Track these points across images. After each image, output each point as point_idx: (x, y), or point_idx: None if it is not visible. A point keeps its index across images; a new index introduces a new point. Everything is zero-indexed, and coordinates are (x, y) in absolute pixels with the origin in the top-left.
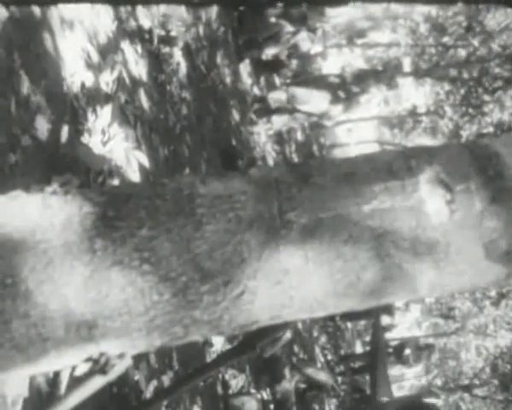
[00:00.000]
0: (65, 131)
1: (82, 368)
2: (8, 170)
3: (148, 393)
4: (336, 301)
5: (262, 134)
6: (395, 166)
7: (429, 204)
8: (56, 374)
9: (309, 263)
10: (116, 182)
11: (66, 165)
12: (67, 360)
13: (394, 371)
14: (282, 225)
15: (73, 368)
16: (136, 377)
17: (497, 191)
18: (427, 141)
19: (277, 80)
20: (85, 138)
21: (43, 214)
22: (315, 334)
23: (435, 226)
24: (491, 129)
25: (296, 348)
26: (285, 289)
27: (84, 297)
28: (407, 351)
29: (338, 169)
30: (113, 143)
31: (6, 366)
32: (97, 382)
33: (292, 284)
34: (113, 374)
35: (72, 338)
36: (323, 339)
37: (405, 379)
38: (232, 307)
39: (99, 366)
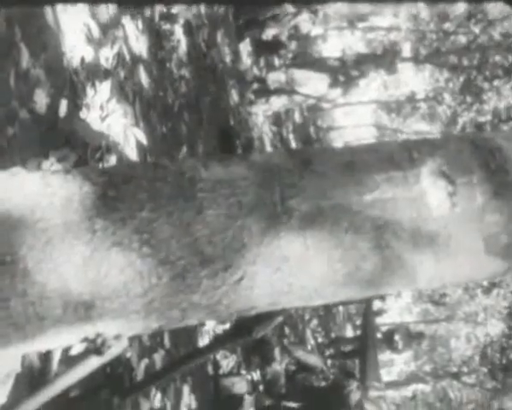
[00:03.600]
0: (63, 106)
1: (78, 348)
2: (6, 143)
3: (140, 371)
4: (335, 290)
5: (260, 115)
6: (397, 156)
7: (431, 196)
8: (48, 351)
9: (309, 251)
10: (113, 158)
11: (63, 139)
12: (64, 340)
13: (384, 356)
14: (283, 211)
15: (69, 347)
16: (128, 355)
17: (499, 185)
18: (424, 127)
19: (277, 61)
20: (84, 113)
21: (43, 193)
22: (306, 317)
23: (436, 218)
24: (488, 117)
25: (287, 331)
26: (284, 276)
27: (83, 277)
28: (397, 337)
29: (340, 158)
30: (112, 120)
31: (3, 343)
32: (93, 362)
33: (291, 272)
34: (108, 355)
35: (69, 318)
36: (314, 322)
37: (394, 365)
38: (231, 292)
39: (95, 346)
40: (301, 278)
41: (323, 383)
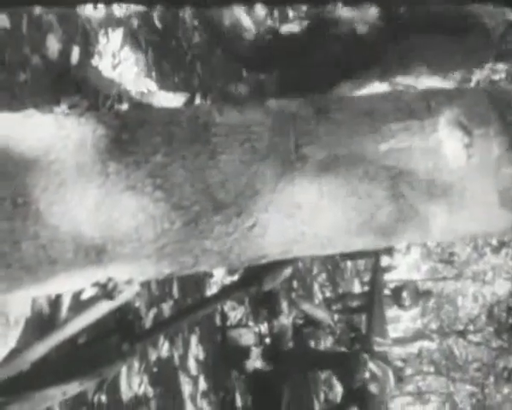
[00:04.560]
0: (75, 53)
1: (89, 292)
2: (18, 89)
3: (148, 320)
4: (348, 240)
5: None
6: (415, 105)
7: (447, 146)
8: (58, 296)
9: (323, 199)
10: (125, 107)
11: (75, 86)
12: (75, 283)
13: (390, 312)
14: (298, 158)
15: (79, 292)
16: (137, 304)
17: None
18: (438, 83)
19: (291, 13)
20: (95, 61)
21: (57, 135)
22: (314, 271)
23: (452, 170)
24: (502, 75)
25: (295, 284)
26: (297, 223)
27: (95, 221)
28: (404, 294)
29: (357, 106)
30: (123, 68)
31: (14, 286)
32: (103, 307)
33: (304, 219)
34: (120, 300)
35: (80, 261)
36: (323, 277)
37: (401, 321)
38: (243, 239)
39: (106, 291)
40: (314, 227)
41: (330, 339)
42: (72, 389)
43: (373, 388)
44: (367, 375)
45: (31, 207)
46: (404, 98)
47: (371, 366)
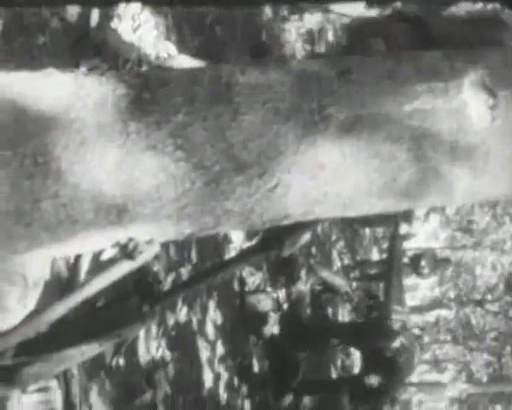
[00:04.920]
0: (95, 15)
1: (109, 252)
2: (37, 51)
3: (166, 284)
4: (370, 201)
5: (293, 32)
6: (439, 66)
7: (471, 108)
8: (77, 260)
9: (345, 160)
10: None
11: (94, 50)
12: (95, 243)
13: (408, 280)
14: (321, 119)
15: (98, 255)
16: (156, 268)
17: None
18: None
19: None
20: (115, 24)
21: (77, 94)
22: (333, 238)
23: (476, 131)
24: None
25: (314, 251)
26: (319, 184)
27: (116, 180)
28: (423, 262)
29: (380, 66)
30: (143, 31)
31: (34, 245)
32: (123, 267)
33: (327, 180)
34: (140, 260)
35: (101, 221)
36: (341, 243)
37: (419, 289)
38: (264, 199)
39: (126, 251)
40: (337, 188)
41: (348, 306)
42: (91, 350)
43: (401, 358)
44: (396, 344)
45: (51, 165)
46: (428, 59)
47: (400, 335)
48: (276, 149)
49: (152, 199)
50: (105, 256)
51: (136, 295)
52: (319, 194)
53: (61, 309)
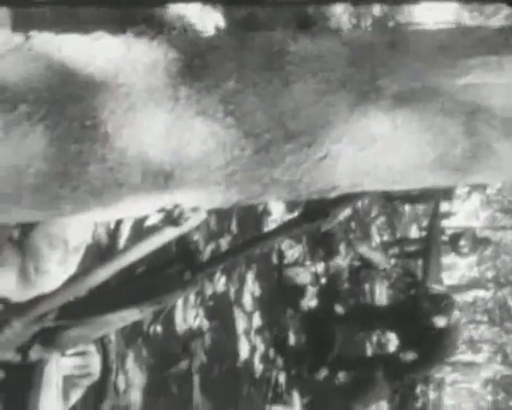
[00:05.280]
0: None
1: (154, 218)
2: (83, 17)
3: (206, 254)
4: (421, 175)
5: (339, 6)
6: (493, 41)
7: None
8: (117, 226)
9: (397, 132)
10: None
11: (140, 17)
12: (141, 209)
13: (447, 259)
14: (373, 90)
15: (140, 220)
16: (196, 238)
17: None
18: None
19: None
20: None
21: (127, 58)
22: (373, 213)
23: None
24: None
25: (353, 226)
26: (369, 156)
27: (164, 145)
28: (462, 241)
29: (434, 39)
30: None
31: (80, 208)
32: (168, 234)
33: (377, 152)
34: (185, 227)
35: (148, 186)
36: (381, 220)
37: (457, 268)
38: (313, 169)
39: (172, 217)
40: (387, 160)
41: (386, 282)
42: (132, 315)
43: (441, 337)
44: (439, 323)
45: (99, 129)
46: (482, 33)
47: (443, 314)
48: (327, 118)
49: (200, 165)
50: (150, 221)
51: (179, 263)
52: (369, 166)
53: (102, 274)
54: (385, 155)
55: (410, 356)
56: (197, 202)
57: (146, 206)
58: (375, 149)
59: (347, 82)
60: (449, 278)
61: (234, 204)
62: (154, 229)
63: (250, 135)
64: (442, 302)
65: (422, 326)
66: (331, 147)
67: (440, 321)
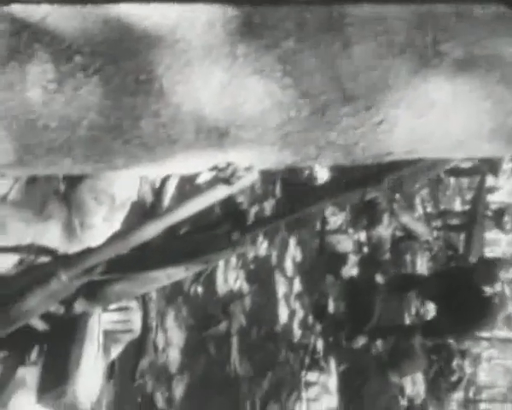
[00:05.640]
0: None
1: (206, 176)
2: None
3: (250, 217)
4: (478, 144)
5: None
6: None
7: None
8: (162, 185)
9: (456, 99)
10: None
11: None
12: (193, 166)
13: (490, 234)
14: (434, 55)
15: (190, 177)
16: (239, 200)
17: None
18: None
19: None
20: None
21: (184, 14)
22: (417, 185)
23: None
24: None
25: (397, 196)
26: (427, 123)
27: (219, 103)
28: (506, 217)
29: (496, 7)
30: None
31: (131, 162)
32: (219, 192)
33: (435, 119)
34: (237, 186)
35: (201, 144)
36: (425, 191)
37: (499, 245)
38: (369, 133)
39: (224, 175)
40: (445, 128)
41: (427, 254)
42: (178, 273)
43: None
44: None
45: (154, 84)
46: None
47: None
48: (386, 82)
49: (255, 124)
50: (201, 179)
51: (227, 223)
52: (426, 133)
53: (150, 231)
54: (443, 122)
55: (446, 329)
56: (250, 162)
57: (198, 163)
58: (433, 116)
59: (409, 46)
60: (491, 254)
61: (287, 165)
62: (205, 187)
63: (307, 96)
64: (493, 268)
65: (465, 295)
66: (389, 112)
67: (489, 288)
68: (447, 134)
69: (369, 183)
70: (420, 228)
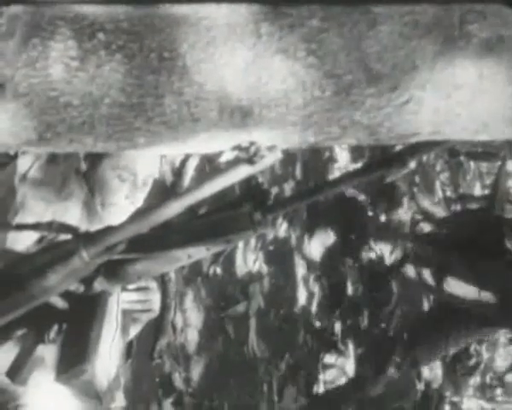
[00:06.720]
0: None
1: (228, 155)
2: None
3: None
4: (502, 127)
5: None
6: None
7: None
8: (182, 165)
9: (483, 81)
10: None
11: None
12: (216, 145)
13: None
14: (461, 36)
15: (216, 156)
16: (260, 180)
17: None
18: None
19: None
20: None
21: None
22: (437, 168)
23: None
24: None
25: (417, 179)
26: (453, 104)
27: (243, 82)
28: None
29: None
30: None
31: (154, 141)
32: (241, 172)
33: (461, 101)
34: (260, 166)
35: (224, 123)
36: (445, 175)
37: None
38: (395, 114)
39: (247, 155)
40: (470, 110)
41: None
42: (198, 252)
43: None
44: None
45: (177, 62)
46: None
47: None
48: (412, 63)
49: (279, 104)
50: (225, 157)
51: (249, 203)
52: (451, 114)
53: (173, 209)
54: (469, 104)
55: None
56: (273, 142)
57: (221, 142)
58: (459, 98)
59: (436, 27)
60: None
61: (310, 145)
62: (226, 167)
63: (331, 76)
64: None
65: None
66: (414, 92)
67: None
68: (472, 116)
69: (392, 164)
70: (439, 211)
